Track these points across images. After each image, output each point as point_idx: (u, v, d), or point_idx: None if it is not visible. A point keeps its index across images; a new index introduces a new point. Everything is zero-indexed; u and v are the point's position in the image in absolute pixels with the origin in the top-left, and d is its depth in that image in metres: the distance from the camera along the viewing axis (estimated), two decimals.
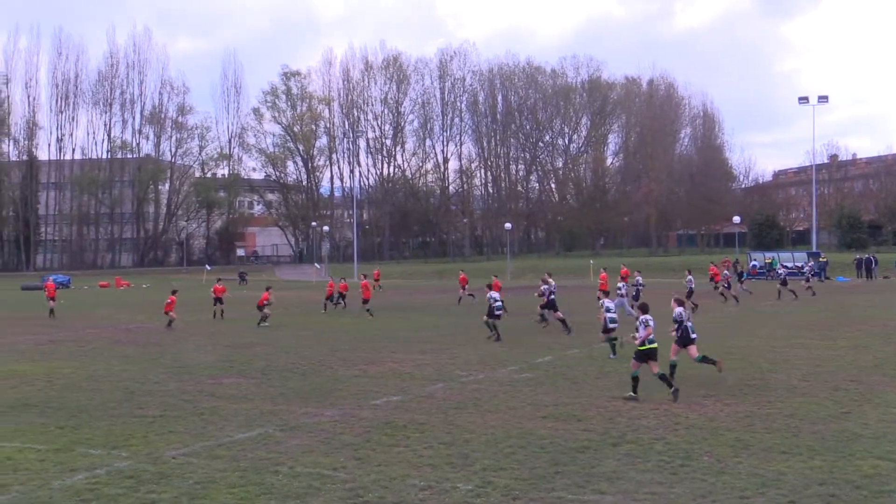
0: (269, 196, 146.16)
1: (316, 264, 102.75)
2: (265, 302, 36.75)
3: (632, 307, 36.09)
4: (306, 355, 25.90)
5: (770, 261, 77.27)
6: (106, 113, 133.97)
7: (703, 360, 19.18)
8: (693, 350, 19.15)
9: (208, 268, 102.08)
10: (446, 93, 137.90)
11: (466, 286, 51.49)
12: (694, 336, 19.03)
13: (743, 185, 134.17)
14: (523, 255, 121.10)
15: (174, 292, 37.48)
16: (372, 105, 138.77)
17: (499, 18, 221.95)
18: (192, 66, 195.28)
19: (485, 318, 30.07)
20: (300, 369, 22.98)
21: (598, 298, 26.32)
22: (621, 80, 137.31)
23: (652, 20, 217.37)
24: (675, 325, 19.03)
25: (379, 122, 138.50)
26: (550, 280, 34.12)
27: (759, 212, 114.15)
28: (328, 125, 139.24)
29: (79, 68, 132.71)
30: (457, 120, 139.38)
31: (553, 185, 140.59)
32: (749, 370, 21.46)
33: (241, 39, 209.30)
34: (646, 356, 17.57)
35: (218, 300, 41.23)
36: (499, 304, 29.66)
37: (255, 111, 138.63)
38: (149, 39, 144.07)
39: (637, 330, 17.84)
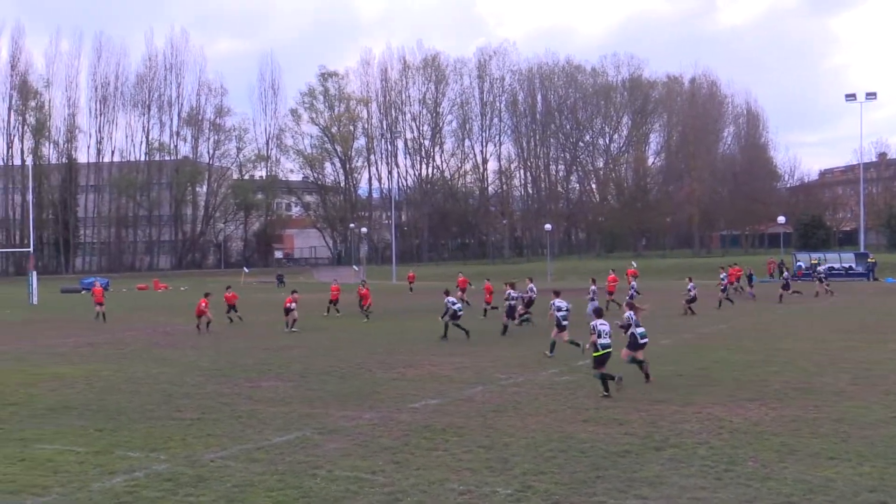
0: (307, 198, 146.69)
1: (354, 266, 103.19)
2: (288, 306, 36.31)
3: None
4: (344, 358, 25.98)
5: (816, 262, 76.42)
6: (144, 115, 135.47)
7: (633, 361, 19.96)
8: (640, 354, 19.87)
9: (246, 270, 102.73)
10: (485, 93, 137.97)
11: (467, 289, 49.52)
12: (644, 342, 19.71)
13: (788, 185, 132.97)
14: (564, 257, 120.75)
15: (206, 295, 37.65)
16: (410, 105, 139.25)
17: (539, 16, 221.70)
18: (230, 68, 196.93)
19: (443, 318, 31.43)
20: (338, 372, 23.05)
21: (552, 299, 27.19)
22: (663, 79, 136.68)
23: (694, 17, 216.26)
24: (623, 330, 19.86)
25: (417, 123, 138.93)
26: (531, 285, 35.74)
27: (804, 212, 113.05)
28: (366, 126, 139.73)
29: (118, 71, 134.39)
30: (496, 120, 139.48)
31: (594, 186, 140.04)
32: (795, 373, 21.24)
33: (279, 40, 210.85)
34: (602, 361, 18.39)
35: (231, 307, 40.90)
36: (458, 306, 31.60)
37: (293, 112, 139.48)
38: (186, 41, 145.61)
39: (600, 336, 18.58)
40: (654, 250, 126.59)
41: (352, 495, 11.36)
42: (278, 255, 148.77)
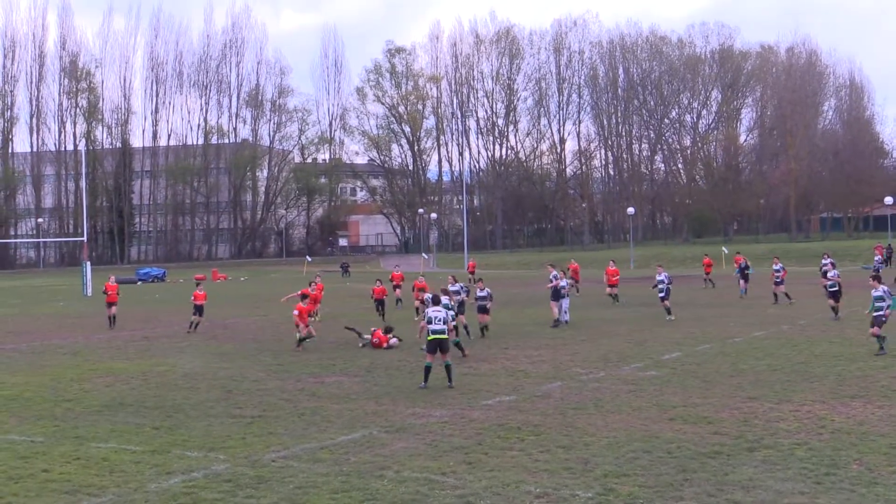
0: (373, 182, 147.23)
1: (423, 254, 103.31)
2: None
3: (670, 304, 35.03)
4: (413, 352, 26.05)
5: None
6: (202, 96, 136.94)
7: (457, 345, 22.76)
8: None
9: (309, 259, 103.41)
10: (563, 67, 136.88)
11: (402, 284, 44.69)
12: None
13: None
14: (648, 242, 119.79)
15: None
16: (482, 82, 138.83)
17: None
18: (291, 46, 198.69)
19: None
20: (407, 367, 23.14)
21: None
22: (756, 49, 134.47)
23: None
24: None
25: (490, 101, 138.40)
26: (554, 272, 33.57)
27: None
28: (435, 105, 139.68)
29: (175, 50, 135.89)
30: (574, 96, 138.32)
31: (680, 166, 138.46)
32: None
33: (342, 15, 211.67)
34: (436, 346, 19.64)
35: (198, 309, 34.47)
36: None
37: (359, 91, 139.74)
38: (247, 17, 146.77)
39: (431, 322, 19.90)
40: (745, 235, 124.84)
41: (421, 498, 11.40)
42: (342, 242, 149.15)
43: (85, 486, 12.32)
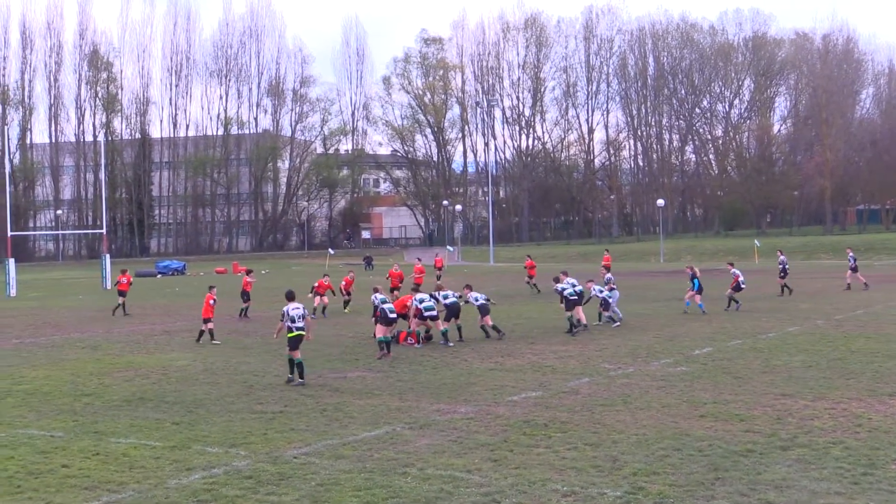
0: (397, 173, 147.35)
1: (448, 247, 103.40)
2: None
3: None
4: (437, 346, 26.08)
5: None
6: (221, 86, 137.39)
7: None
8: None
9: (331, 252, 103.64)
10: (591, 56, 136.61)
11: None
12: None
13: None
14: (678, 235, 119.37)
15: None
16: (509, 71, 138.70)
17: None
18: (311, 34, 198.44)
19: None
20: (430, 362, 23.16)
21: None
22: (790, 36, 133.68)
23: None
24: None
25: (517, 90, 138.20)
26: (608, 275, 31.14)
27: None
28: (459, 94, 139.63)
29: (194, 38, 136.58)
30: (603, 86, 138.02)
31: (712, 157, 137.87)
32: None
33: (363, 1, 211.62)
34: (294, 342, 20.38)
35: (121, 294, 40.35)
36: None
37: (385, 80, 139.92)
38: (268, 4, 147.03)
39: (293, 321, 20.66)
40: (779, 228, 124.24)
41: (445, 496, 11.41)
42: (365, 235, 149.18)
43: (104, 482, 12.41)
